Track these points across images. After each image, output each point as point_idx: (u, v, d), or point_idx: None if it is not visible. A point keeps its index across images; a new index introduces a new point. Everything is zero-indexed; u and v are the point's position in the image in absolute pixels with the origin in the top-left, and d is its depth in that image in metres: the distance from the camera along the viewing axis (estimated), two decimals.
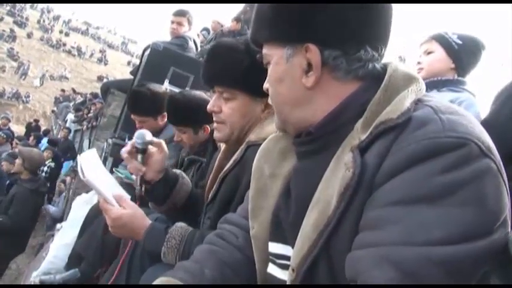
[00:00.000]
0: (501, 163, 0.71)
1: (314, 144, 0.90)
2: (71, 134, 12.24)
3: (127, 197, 1.46)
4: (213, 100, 1.48)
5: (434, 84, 2.05)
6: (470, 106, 1.95)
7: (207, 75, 1.49)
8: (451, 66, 2.06)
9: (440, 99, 0.80)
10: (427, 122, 0.71)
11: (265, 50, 0.94)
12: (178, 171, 1.72)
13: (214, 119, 1.49)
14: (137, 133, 1.56)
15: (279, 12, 0.88)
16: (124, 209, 1.39)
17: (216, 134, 1.51)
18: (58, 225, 3.48)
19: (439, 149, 0.68)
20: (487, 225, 0.66)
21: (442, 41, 2.05)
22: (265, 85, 0.99)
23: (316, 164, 0.87)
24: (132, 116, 2.84)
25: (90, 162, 1.47)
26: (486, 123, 1.52)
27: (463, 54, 2.04)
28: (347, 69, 0.86)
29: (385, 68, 0.87)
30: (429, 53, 2.09)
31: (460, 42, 2.03)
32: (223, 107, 1.46)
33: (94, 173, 1.43)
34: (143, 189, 1.55)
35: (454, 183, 0.66)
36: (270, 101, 1.00)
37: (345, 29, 0.84)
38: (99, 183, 1.41)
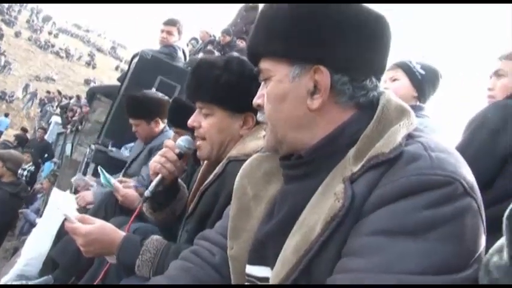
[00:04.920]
0: (482, 202, 0.74)
1: (303, 168, 0.90)
2: (54, 136, 12.10)
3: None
4: (194, 116, 1.52)
5: None
6: (432, 131, 2.10)
7: (188, 90, 1.55)
8: (414, 94, 2.19)
9: (428, 135, 0.82)
10: (417, 158, 0.73)
11: (265, 65, 0.91)
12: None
13: (195, 134, 1.52)
14: (184, 137, 1.58)
15: (293, 28, 0.85)
16: (91, 225, 1.38)
17: (198, 153, 1.54)
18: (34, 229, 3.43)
19: (426, 185, 0.70)
20: (463, 260, 0.68)
21: (407, 70, 2.18)
22: (257, 100, 0.97)
23: (303, 188, 0.87)
24: (130, 120, 2.97)
25: (60, 198, 1.52)
26: (458, 151, 1.57)
27: (425, 84, 2.18)
28: (351, 96, 0.86)
29: (378, 96, 0.88)
30: (394, 80, 2.22)
31: (423, 72, 2.17)
32: (203, 122, 1.50)
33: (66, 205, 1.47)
34: (153, 191, 1.50)
35: (436, 219, 0.68)
36: (260, 118, 0.97)
37: (358, 56, 0.85)
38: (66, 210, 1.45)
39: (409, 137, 0.79)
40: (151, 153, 2.86)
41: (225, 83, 1.43)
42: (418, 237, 0.67)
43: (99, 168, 2.61)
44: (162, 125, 2.96)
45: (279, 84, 0.89)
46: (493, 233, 0.74)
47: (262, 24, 0.91)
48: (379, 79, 0.89)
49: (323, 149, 0.87)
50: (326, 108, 0.86)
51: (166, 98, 2.99)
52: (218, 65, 1.46)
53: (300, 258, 0.77)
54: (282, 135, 0.91)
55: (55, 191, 2.90)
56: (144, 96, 2.94)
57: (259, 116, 0.98)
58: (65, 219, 2.12)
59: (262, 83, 0.96)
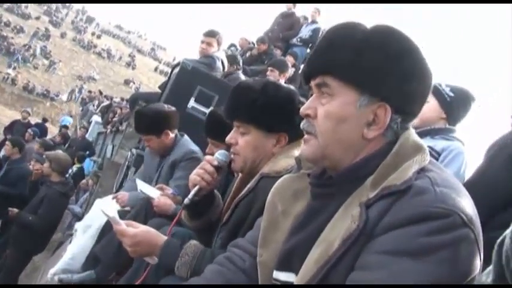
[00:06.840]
0: (480, 233, 0.85)
1: (330, 188, 1.03)
2: (94, 135, 12.51)
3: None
4: (231, 133, 1.67)
5: (428, 132, 2.22)
6: (459, 154, 2.17)
7: (227, 111, 1.70)
8: (442, 116, 2.23)
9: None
10: (423, 192, 0.85)
11: (332, 82, 0.97)
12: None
13: (231, 150, 1.67)
14: (221, 151, 1.72)
15: (378, 67, 0.94)
16: (138, 228, 1.54)
17: (232, 165, 1.69)
18: (76, 225, 3.65)
19: (428, 216, 0.82)
20: (455, 282, 0.81)
21: (436, 92, 2.19)
22: (307, 111, 1.01)
23: (327, 206, 1.00)
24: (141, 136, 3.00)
25: (106, 203, 1.68)
26: (478, 175, 1.65)
27: (454, 106, 2.21)
28: (395, 133, 0.98)
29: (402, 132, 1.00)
30: None
31: (452, 94, 2.20)
32: (239, 140, 1.64)
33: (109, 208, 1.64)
34: (192, 200, 1.63)
35: (434, 245, 0.80)
36: (305, 126, 1.02)
37: (417, 102, 0.99)
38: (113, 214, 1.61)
39: (422, 170, 0.91)
40: (174, 167, 2.87)
41: (262, 106, 1.57)
42: (417, 258, 0.80)
43: (136, 180, 2.78)
44: (171, 135, 2.95)
45: (344, 107, 0.97)
46: None
47: (340, 43, 0.97)
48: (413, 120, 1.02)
49: (351, 175, 0.99)
50: (375, 138, 0.98)
51: (173, 108, 3.02)
52: (255, 89, 1.61)
53: (319, 268, 0.90)
54: (330, 152, 0.99)
55: (98, 202, 3.11)
56: (151, 111, 2.96)
57: (304, 124, 1.03)
58: (108, 220, 2.30)
59: (314, 96, 1.02)
